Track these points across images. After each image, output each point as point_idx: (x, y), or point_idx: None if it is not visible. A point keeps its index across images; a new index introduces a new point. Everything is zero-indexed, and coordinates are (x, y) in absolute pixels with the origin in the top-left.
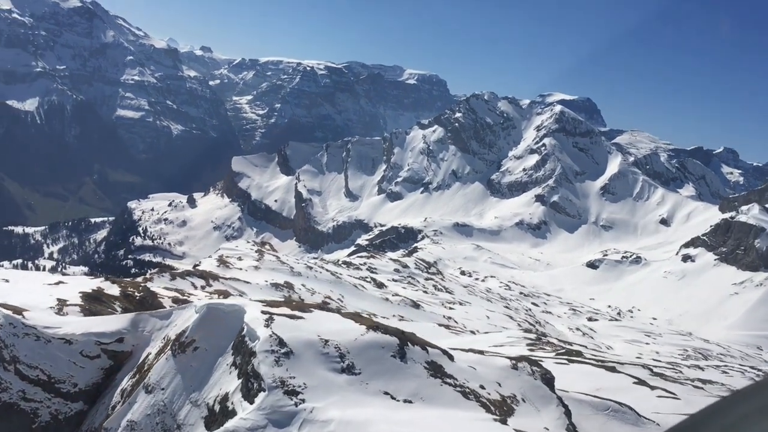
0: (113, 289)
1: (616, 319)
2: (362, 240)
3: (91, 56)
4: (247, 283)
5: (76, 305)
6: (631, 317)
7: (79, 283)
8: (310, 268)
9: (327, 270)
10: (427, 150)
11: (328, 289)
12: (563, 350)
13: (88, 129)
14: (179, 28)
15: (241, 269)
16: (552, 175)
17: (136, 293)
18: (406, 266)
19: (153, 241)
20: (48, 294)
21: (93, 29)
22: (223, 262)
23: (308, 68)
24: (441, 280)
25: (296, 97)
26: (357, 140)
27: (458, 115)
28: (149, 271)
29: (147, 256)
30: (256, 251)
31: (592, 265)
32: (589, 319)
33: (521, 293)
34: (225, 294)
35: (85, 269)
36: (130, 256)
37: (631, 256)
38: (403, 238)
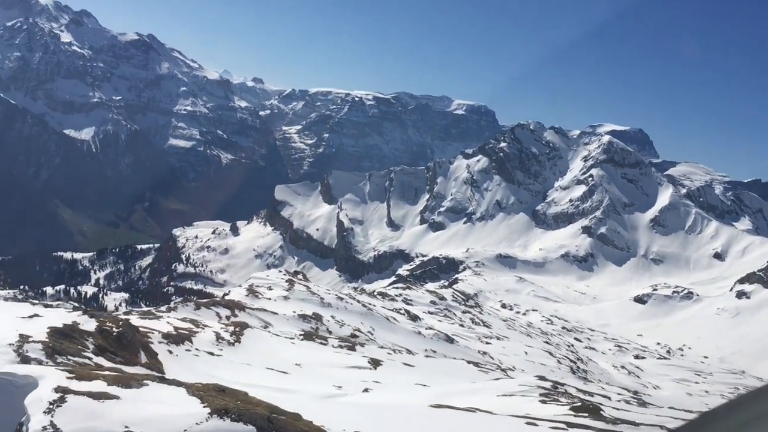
0: (89, 324)
1: (665, 357)
2: (403, 270)
3: (146, 87)
4: (274, 313)
5: (39, 342)
6: (681, 355)
7: (58, 316)
8: (341, 299)
9: (358, 301)
10: (471, 180)
11: (359, 321)
12: (579, 404)
13: (140, 157)
14: (234, 60)
15: (270, 299)
16: (599, 206)
17: (114, 329)
18: (443, 298)
19: (195, 269)
20: (14, 329)
21: (149, 61)
22: (252, 291)
23: (357, 98)
24: (479, 313)
25: (344, 126)
26: (400, 169)
27: (503, 144)
28: (174, 299)
29: (189, 284)
30: (286, 281)
31: (641, 299)
32: (636, 357)
33: (564, 328)
34: (242, 326)
35: (126, 296)
36: (172, 283)
37: (682, 291)
38: (445, 268)
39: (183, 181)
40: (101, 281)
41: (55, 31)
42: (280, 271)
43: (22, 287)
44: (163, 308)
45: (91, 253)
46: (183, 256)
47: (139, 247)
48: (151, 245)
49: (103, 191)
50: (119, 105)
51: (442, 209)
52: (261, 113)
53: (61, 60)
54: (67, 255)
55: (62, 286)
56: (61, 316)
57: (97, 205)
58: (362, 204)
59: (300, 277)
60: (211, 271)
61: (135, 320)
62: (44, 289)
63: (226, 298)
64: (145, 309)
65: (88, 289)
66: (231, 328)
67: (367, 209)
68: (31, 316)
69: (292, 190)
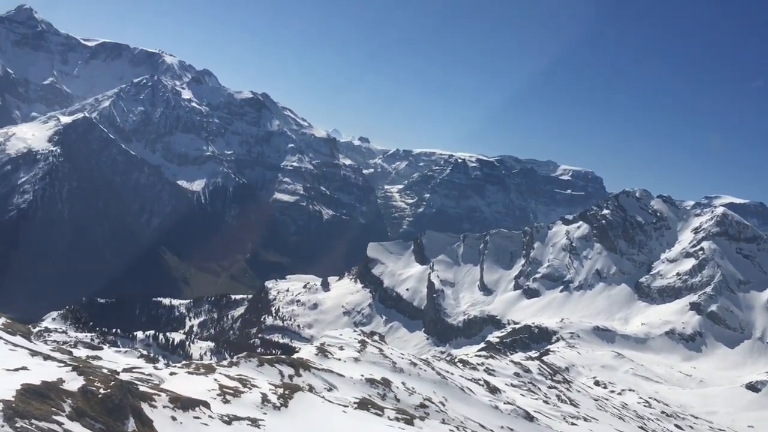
0: (74, 383)
1: None
2: (493, 337)
3: (256, 143)
4: (341, 376)
5: (0, 402)
6: None
7: (46, 371)
8: (414, 364)
9: (433, 368)
10: (570, 246)
11: (431, 390)
12: None
13: (246, 210)
14: (344, 120)
15: (339, 360)
16: (710, 282)
17: (100, 389)
18: (528, 370)
19: (283, 322)
20: None
21: (261, 118)
22: (322, 350)
23: (460, 160)
24: (567, 390)
25: (446, 187)
26: (496, 232)
27: (606, 211)
28: (234, 356)
29: (275, 337)
30: (359, 341)
31: (754, 387)
32: None
33: (663, 413)
34: (294, 389)
35: (211, 345)
36: (259, 335)
37: None
38: (537, 338)
39: (284, 235)
40: (195, 328)
41: (177, 88)
42: (354, 331)
43: (101, 329)
44: (225, 362)
45: (188, 301)
46: (273, 309)
47: (233, 296)
48: (245, 296)
49: (208, 241)
50: (230, 159)
51: (537, 276)
52: (365, 171)
53: (180, 115)
54: (166, 301)
55: (152, 332)
56: (50, 371)
57: (201, 254)
58: (455, 266)
59: (376, 338)
60: (298, 326)
61: (180, 376)
62: (135, 333)
63: (295, 355)
64: (205, 363)
65: (176, 336)
66: (280, 390)
67: (460, 271)
68: (16, 369)
69: (385, 248)
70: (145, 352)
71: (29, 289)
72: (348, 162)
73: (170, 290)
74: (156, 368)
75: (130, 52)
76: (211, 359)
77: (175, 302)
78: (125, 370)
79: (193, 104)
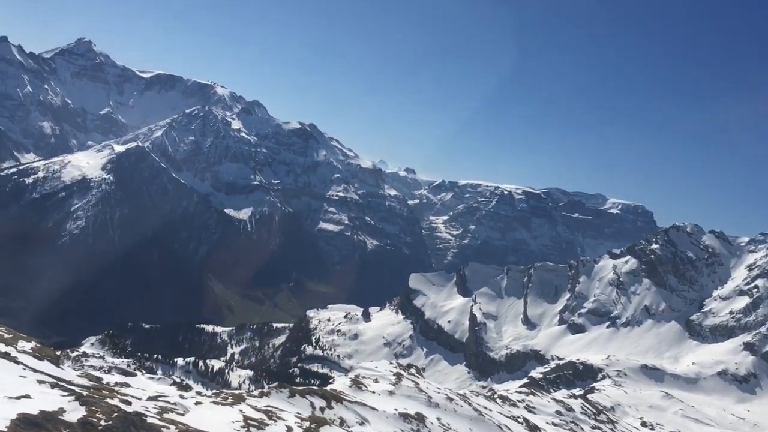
0: (75, 413)
1: None
2: (536, 372)
3: (303, 173)
4: (374, 409)
5: None
6: None
7: (50, 399)
8: (451, 399)
9: (470, 404)
10: (617, 281)
11: (467, 427)
12: None
13: (291, 239)
14: (390, 151)
15: (373, 392)
16: (765, 321)
17: (101, 421)
18: (570, 409)
19: (323, 352)
20: None
21: (308, 149)
22: (356, 382)
23: (506, 192)
24: (611, 430)
25: (491, 219)
26: (540, 265)
27: (655, 246)
28: (265, 386)
29: (315, 366)
30: (394, 374)
31: None
32: None
33: None
34: (320, 422)
35: (250, 374)
36: (299, 365)
37: None
38: (581, 375)
39: (328, 264)
40: (236, 356)
41: (227, 118)
42: (390, 363)
43: (142, 354)
44: (256, 392)
45: (230, 328)
46: (313, 338)
47: (275, 325)
48: (287, 324)
49: (253, 269)
50: (277, 188)
51: (583, 311)
52: (410, 202)
53: (229, 145)
54: (209, 328)
55: (192, 358)
56: (53, 400)
57: (246, 282)
58: (498, 299)
59: (413, 371)
60: (338, 356)
61: (205, 406)
62: (176, 359)
63: (329, 387)
64: (236, 392)
65: (216, 364)
66: (306, 424)
67: (503, 305)
68: (18, 397)
69: (427, 279)
70: (178, 380)
71: (78, 312)
72: (393, 192)
73: (215, 317)
74: (182, 397)
75: (184, 83)
76: (249, 387)
77: (218, 329)
78: (150, 398)
79: (242, 134)
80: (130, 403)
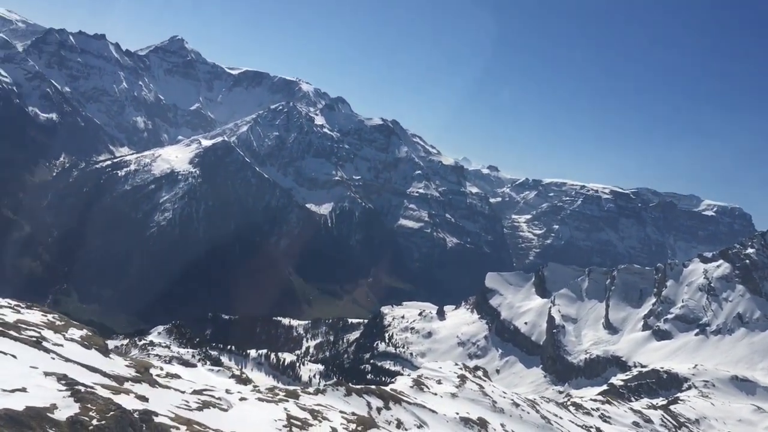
0: (66, 411)
1: None
2: (617, 379)
3: (384, 169)
4: (434, 412)
5: None
6: None
7: (44, 395)
8: (517, 405)
9: (538, 411)
10: (708, 287)
11: None
12: None
13: (370, 235)
14: (474, 148)
15: (435, 394)
16: None
17: (94, 420)
18: (649, 420)
19: (396, 349)
20: None
21: (389, 145)
22: (418, 383)
23: (592, 191)
24: None
25: (576, 219)
26: (624, 267)
27: (750, 250)
28: (324, 384)
29: (387, 363)
30: (458, 376)
31: None
32: None
33: None
34: (368, 424)
35: (321, 368)
36: (371, 361)
37: None
38: (665, 384)
39: (407, 261)
40: (311, 350)
41: (311, 114)
42: (456, 364)
43: (216, 345)
44: (311, 389)
45: (306, 322)
46: (386, 335)
47: (350, 320)
48: (362, 320)
49: (333, 264)
50: (357, 184)
51: (669, 316)
52: (492, 200)
53: (312, 140)
54: (285, 321)
55: (264, 351)
56: (47, 395)
57: (325, 276)
58: (578, 301)
59: (479, 373)
60: (411, 354)
61: (249, 402)
62: (249, 351)
63: (390, 387)
64: (291, 389)
65: (288, 357)
66: (352, 426)
67: (583, 307)
68: (13, 390)
69: (504, 279)
70: (237, 373)
71: (163, 302)
72: (475, 190)
73: (293, 310)
74: (229, 392)
75: (270, 80)
76: (319, 382)
77: (294, 322)
78: (195, 392)
79: (325, 130)
80: (147, 400)
